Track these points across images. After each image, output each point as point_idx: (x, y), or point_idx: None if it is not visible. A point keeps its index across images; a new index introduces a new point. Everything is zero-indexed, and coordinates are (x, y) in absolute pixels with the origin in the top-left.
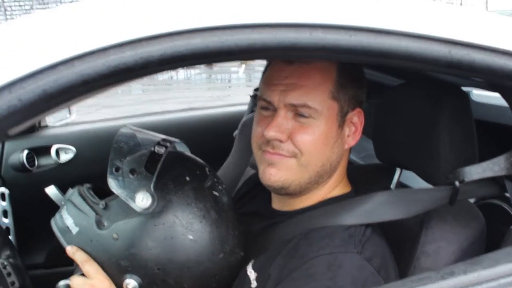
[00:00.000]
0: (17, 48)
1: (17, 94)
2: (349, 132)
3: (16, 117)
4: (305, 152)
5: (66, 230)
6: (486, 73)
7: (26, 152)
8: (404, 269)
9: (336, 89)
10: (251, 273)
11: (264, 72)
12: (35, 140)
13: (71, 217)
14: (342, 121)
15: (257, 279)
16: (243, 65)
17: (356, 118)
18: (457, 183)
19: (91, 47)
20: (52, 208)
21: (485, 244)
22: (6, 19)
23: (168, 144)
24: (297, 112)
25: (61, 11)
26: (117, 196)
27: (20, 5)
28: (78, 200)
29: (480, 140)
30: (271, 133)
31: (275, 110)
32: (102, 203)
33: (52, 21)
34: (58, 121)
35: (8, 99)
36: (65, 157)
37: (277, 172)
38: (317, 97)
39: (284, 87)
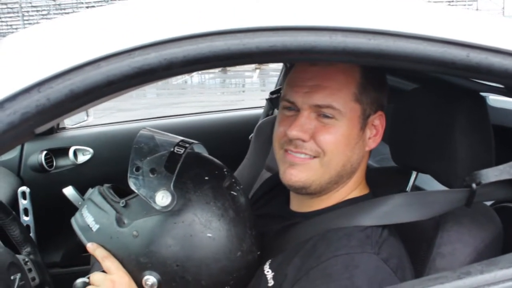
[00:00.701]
0: (46, 49)
1: (46, 93)
2: (370, 134)
3: (44, 116)
4: (328, 151)
5: (86, 228)
6: (504, 77)
7: (44, 153)
8: (419, 270)
9: (359, 91)
10: (268, 272)
11: (286, 74)
12: (53, 142)
13: (91, 215)
14: (364, 123)
15: (274, 278)
16: (257, 70)
17: (378, 121)
18: (474, 185)
19: (117, 49)
20: (69, 208)
21: (501, 246)
22: (24, 23)
23: (187, 145)
24: (320, 113)
25: (88, 14)
26: (137, 195)
27: (37, 10)
28: (98, 199)
29: (497, 145)
30: (294, 132)
31: (298, 110)
32: (122, 202)
33: (79, 23)
34: (75, 123)
35: (37, 98)
36: (82, 158)
37: (298, 173)
38: (341, 98)
39: (308, 89)
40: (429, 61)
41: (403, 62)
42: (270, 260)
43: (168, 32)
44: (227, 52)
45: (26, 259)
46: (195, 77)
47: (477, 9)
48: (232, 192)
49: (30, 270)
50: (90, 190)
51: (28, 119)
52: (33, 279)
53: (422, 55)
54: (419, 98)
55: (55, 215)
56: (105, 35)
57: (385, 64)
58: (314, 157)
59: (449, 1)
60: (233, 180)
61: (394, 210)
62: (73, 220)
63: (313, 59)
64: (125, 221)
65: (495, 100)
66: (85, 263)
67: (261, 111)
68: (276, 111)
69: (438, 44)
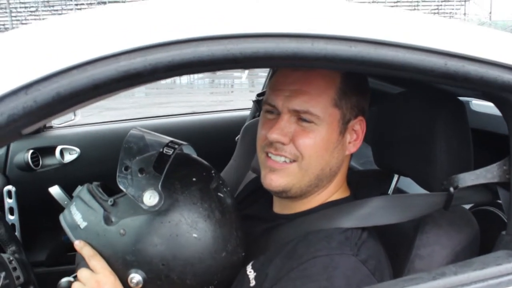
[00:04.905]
0: (34, 52)
1: (33, 95)
2: (350, 139)
3: (31, 118)
4: (306, 155)
5: (74, 225)
6: (480, 84)
7: (31, 152)
8: (398, 271)
9: (339, 96)
10: (251, 273)
11: (270, 78)
12: (40, 141)
13: (79, 213)
14: (344, 128)
15: (255, 278)
16: (246, 71)
17: (358, 126)
18: (451, 189)
19: (103, 53)
20: (55, 208)
21: (478, 249)
22: (12, 20)
23: (176, 146)
24: (300, 117)
25: (75, 17)
26: (125, 194)
27: (25, 7)
28: (87, 196)
29: (480, 149)
30: (273, 135)
31: (279, 114)
32: (110, 200)
33: (66, 27)
34: (63, 122)
35: (24, 100)
36: (69, 157)
37: (278, 178)
38: (319, 104)
39: (288, 93)
40: (409, 68)
41: (383, 69)
42: (252, 261)
43: (153, 37)
44: (211, 58)
45: (11, 258)
46: (184, 77)
47: (464, 14)
48: (219, 193)
49: (14, 269)
50: (79, 188)
51: (15, 121)
52: (18, 277)
53: (402, 62)
54: (402, 102)
55: (40, 214)
56: (92, 40)
57: (366, 71)
58: (293, 161)
59: (437, 5)
60: (221, 181)
61: (374, 212)
62: (61, 217)
63: (295, 65)
64: (113, 219)
65: (477, 105)
66: (70, 262)
67: (248, 112)
68: None
69: (417, 52)
